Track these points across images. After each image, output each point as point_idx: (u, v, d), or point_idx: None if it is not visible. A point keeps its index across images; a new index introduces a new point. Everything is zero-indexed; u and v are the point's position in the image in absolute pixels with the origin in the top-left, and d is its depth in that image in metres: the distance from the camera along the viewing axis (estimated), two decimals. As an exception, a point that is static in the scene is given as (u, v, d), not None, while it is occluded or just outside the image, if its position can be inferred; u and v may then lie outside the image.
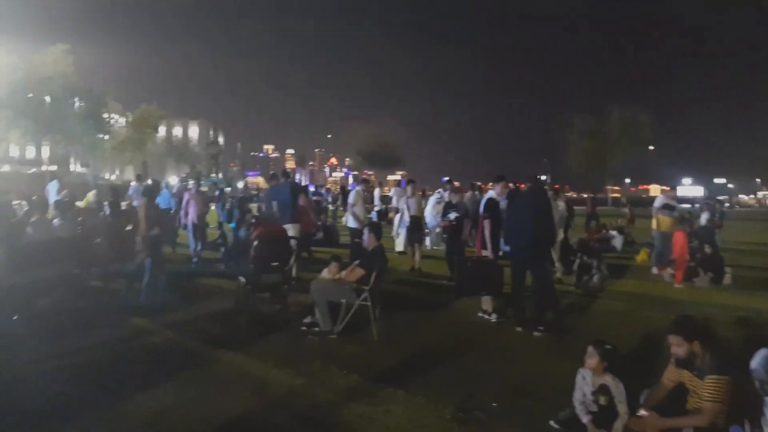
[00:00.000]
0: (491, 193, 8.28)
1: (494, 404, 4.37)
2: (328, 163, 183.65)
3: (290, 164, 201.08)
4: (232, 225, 12.22)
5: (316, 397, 4.53)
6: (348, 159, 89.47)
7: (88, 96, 32.08)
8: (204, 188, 25.79)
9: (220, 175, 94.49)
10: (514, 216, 6.87)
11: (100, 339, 6.02)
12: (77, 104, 31.46)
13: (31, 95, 28.63)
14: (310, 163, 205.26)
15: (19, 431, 3.96)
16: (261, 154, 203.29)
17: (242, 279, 6.94)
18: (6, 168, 45.41)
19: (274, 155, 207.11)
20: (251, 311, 6.89)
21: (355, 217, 10.73)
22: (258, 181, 79.96)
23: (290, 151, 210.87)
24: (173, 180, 45.63)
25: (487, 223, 7.61)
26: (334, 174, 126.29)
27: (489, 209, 7.76)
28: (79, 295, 7.47)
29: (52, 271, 7.07)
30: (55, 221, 8.56)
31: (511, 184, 8.12)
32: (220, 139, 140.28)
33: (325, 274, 6.85)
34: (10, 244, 6.60)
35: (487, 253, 7.56)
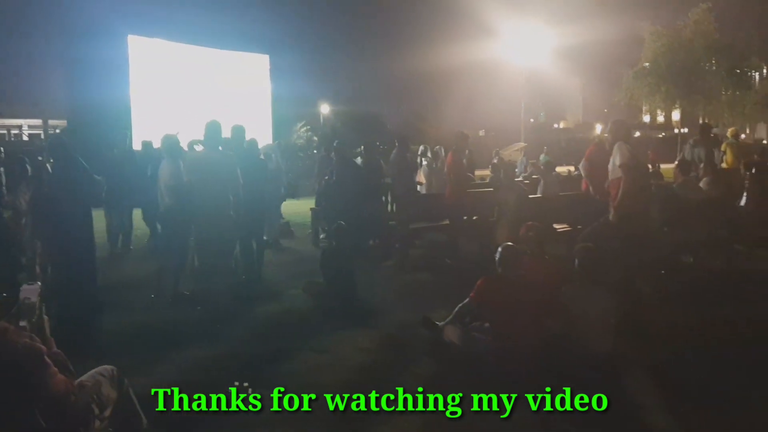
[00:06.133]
0: None
1: None
2: None
3: None
4: None
5: None
6: None
7: (728, 52, 30.43)
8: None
9: None
10: None
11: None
12: (714, 63, 30.58)
13: (671, 60, 29.82)
14: None
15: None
16: None
17: None
18: (637, 134, 49.60)
19: None
20: None
21: None
22: None
23: None
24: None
25: None
26: None
27: None
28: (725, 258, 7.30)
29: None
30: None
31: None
32: None
33: None
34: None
35: None
